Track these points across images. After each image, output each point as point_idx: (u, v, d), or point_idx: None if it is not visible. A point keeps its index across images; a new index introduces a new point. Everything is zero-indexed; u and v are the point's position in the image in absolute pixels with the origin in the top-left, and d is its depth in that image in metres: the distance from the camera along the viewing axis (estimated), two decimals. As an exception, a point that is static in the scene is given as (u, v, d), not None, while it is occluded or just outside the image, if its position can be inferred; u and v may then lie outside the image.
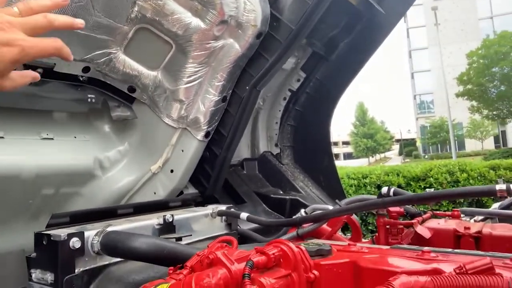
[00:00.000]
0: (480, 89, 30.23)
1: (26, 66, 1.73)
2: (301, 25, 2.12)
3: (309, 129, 3.25)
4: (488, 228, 1.65)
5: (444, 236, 1.68)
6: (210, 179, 2.39)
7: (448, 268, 0.96)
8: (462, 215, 1.99)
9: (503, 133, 46.09)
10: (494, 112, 31.57)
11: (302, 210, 1.90)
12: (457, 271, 0.86)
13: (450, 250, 1.24)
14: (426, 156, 45.16)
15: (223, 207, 1.93)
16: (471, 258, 0.93)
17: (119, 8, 1.79)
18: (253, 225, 2.06)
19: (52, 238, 1.27)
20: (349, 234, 2.15)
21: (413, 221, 1.81)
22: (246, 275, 0.87)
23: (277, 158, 3.17)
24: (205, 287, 0.89)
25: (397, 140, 65.09)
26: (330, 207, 1.84)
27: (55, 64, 1.78)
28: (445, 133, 42.43)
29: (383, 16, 2.71)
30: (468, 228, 1.66)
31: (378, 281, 0.88)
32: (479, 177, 8.16)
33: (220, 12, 1.94)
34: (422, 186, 8.14)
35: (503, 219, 1.98)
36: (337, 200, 1.89)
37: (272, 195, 2.72)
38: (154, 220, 1.63)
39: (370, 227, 7.41)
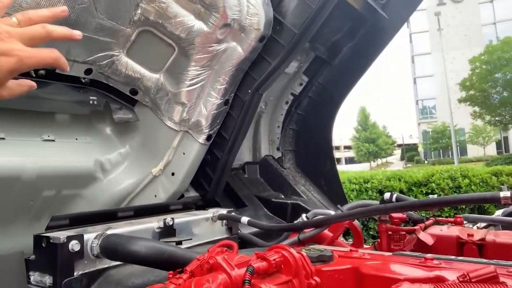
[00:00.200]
0: (483, 95, 30.23)
1: (29, 68, 1.73)
2: (304, 29, 2.11)
3: (311, 133, 3.24)
4: (492, 236, 1.63)
5: (447, 243, 1.67)
6: (211, 183, 2.38)
7: (451, 276, 0.95)
8: (465, 222, 1.97)
9: (505, 139, 46.01)
10: (497, 118, 31.56)
11: (304, 215, 1.88)
12: (461, 279, 0.85)
13: (453, 257, 1.23)
14: (426, 162, 45.06)
15: (224, 211, 1.92)
16: (474, 266, 0.92)
17: (122, 11, 1.79)
18: (254, 229, 2.05)
19: (51, 241, 1.27)
20: (350, 240, 2.14)
21: (415, 227, 1.80)
22: (247, 281, 0.86)
23: (278, 162, 3.16)
24: (204, 292, 0.88)
25: (399, 145, 65.05)
26: (332, 212, 1.82)
27: (57, 65, 1.78)
28: (447, 139, 42.37)
29: (386, 21, 2.70)
30: (472, 235, 1.64)
31: (380, 289, 0.87)
32: (481, 183, 8.12)
33: (223, 15, 1.94)
34: (424, 192, 8.10)
35: (507, 226, 1.96)
36: (339, 206, 1.88)
37: (273, 199, 2.72)
38: (154, 223, 1.63)
39: (371, 232, 7.38)
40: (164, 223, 1.63)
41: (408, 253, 1.32)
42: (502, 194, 1.14)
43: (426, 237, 1.71)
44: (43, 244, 1.29)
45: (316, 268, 1.03)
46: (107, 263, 1.38)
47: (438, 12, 36.76)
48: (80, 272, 1.30)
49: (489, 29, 48.80)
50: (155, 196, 2.26)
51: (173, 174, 2.25)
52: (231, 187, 2.69)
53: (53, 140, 1.95)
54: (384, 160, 58.24)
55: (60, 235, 1.28)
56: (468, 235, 1.65)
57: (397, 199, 1.73)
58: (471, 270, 0.86)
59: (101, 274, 1.36)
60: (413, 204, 1.50)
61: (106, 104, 2.13)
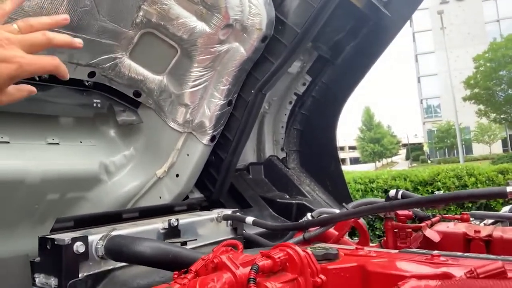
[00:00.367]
0: (488, 93, 30.09)
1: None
2: (307, 29, 2.11)
3: (315, 133, 3.23)
4: (499, 232, 1.62)
5: (453, 239, 1.65)
6: (216, 184, 2.38)
7: (458, 272, 0.93)
8: (471, 219, 1.95)
9: (511, 136, 45.69)
10: (502, 116, 31.39)
11: (309, 214, 1.88)
12: (468, 275, 0.84)
13: (460, 254, 1.21)
14: (429, 161, 44.83)
15: (228, 212, 1.91)
16: (482, 262, 0.91)
17: (124, 13, 1.80)
18: (259, 230, 2.05)
19: (56, 242, 1.27)
20: (356, 239, 2.13)
21: (421, 224, 1.79)
22: (252, 280, 0.86)
23: (283, 162, 3.15)
24: (209, 291, 0.87)
25: (404, 145, 64.76)
26: (337, 211, 1.82)
27: (60, 68, 1.79)
28: (452, 139, 42.16)
29: (389, 19, 2.69)
30: (478, 232, 1.62)
31: (387, 286, 0.86)
32: (487, 181, 8.08)
33: (225, 16, 1.94)
34: (430, 191, 8.06)
35: (514, 222, 1.94)
36: (344, 204, 1.87)
37: (278, 200, 2.71)
38: (159, 224, 1.62)
39: (377, 232, 7.35)
40: (169, 224, 1.63)
41: (415, 250, 1.30)
42: (509, 189, 1.13)
43: (432, 234, 1.69)
44: (48, 246, 1.29)
45: (321, 266, 1.03)
46: (112, 264, 1.38)
47: (441, 11, 36.61)
48: (85, 274, 1.30)
49: (493, 26, 48.54)
50: (160, 197, 2.26)
51: (177, 175, 2.25)
52: (236, 188, 2.69)
53: (58, 143, 1.96)
54: (389, 160, 58.00)
55: (65, 236, 1.28)
56: (475, 231, 1.63)
57: (403, 196, 1.71)
58: (479, 266, 0.85)
59: (106, 276, 1.36)
60: (419, 201, 1.49)
61: (109, 106, 2.14)
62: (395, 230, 1.79)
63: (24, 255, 1.73)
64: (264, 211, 2.61)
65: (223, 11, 1.93)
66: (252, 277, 0.86)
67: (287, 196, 2.82)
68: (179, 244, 1.55)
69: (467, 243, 1.63)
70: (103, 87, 2.05)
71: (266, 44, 2.13)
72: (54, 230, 1.45)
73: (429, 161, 45.12)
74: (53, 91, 1.88)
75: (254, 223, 1.77)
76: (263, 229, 1.93)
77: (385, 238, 1.83)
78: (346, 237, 2.00)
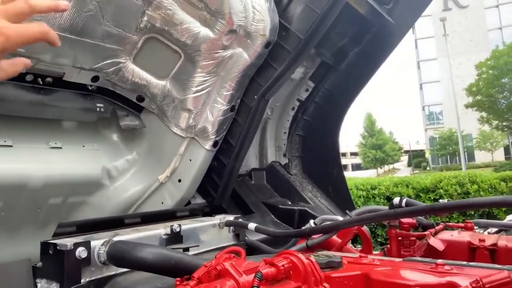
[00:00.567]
0: (490, 100, 30.09)
1: (35, 75, 1.74)
2: (310, 35, 2.11)
3: (318, 139, 3.22)
4: (504, 241, 1.60)
5: (458, 248, 1.64)
6: (218, 189, 2.37)
7: (463, 281, 0.92)
8: (475, 227, 1.94)
9: (514, 144, 45.56)
10: (504, 123, 31.38)
11: (311, 221, 1.87)
12: (474, 285, 0.83)
13: (465, 263, 1.20)
14: (429, 168, 44.69)
15: (230, 217, 1.91)
16: (487, 272, 0.90)
17: (129, 18, 1.80)
18: (261, 236, 2.03)
19: (58, 248, 1.26)
20: (359, 246, 2.11)
21: (425, 232, 1.77)
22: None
23: (285, 168, 3.14)
24: (212, 299, 0.87)
25: (406, 151, 64.68)
26: (340, 218, 1.80)
27: (64, 73, 1.79)
28: (454, 146, 42.07)
29: (392, 26, 2.69)
30: (483, 241, 1.61)
31: (392, 295, 0.85)
32: (489, 189, 8.05)
33: (229, 21, 1.94)
34: (432, 198, 8.04)
35: (519, 231, 1.93)
36: (347, 211, 1.86)
37: (280, 206, 2.70)
38: (161, 230, 1.62)
39: (379, 239, 7.32)
40: (171, 229, 1.62)
41: (419, 258, 1.29)
42: (514, 198, 1.12)
43: (436, 242, 1.68)
44: (50, 251, 1.29)
45: (325, 274, 1.02)
46: (114, 270, 1.37)
47: (443, 18, 36.66)
48: (87, 279, 1.29)
49: (495, 34, 48.60)
50: (162, 203, 2.26)
51: (179, 180, 2.24)
52: (238, 194, 2.68)
53: (60, 148, 1.96)
54: (391, 166, 57.89)
55: (67, 242, 1.27)
56: (480, 240, 1.62)
57: (407, 204, 1.70)
58: (484, 276, 0.84)
59: (108, 281, 1.35)
60: (423, 209, 1.48)
61: (113, 111, 2.14)
62: (399, 238, 1.77)
63: (26, 260, 1.72)
64: (266, 217, 2.59)
65: (227, 17, 1.93)
66: (255, 285, 0.85)
67: (289, 202, 2.81)
68: (181, 250, 1.54)
69: (471, 252, 1.62)
70: (106, 92, 2.05)
71: (269, 50, 2.13)
72: (56, 235, 1.45)
73: (428, 168, 44.98)
74: (56, 95, 1.88)
75: (257, 230, 1.76)
76: (265, 236, 1.92)
77: (388, 246, 1.82)
78: (349, 245, 1.98)
